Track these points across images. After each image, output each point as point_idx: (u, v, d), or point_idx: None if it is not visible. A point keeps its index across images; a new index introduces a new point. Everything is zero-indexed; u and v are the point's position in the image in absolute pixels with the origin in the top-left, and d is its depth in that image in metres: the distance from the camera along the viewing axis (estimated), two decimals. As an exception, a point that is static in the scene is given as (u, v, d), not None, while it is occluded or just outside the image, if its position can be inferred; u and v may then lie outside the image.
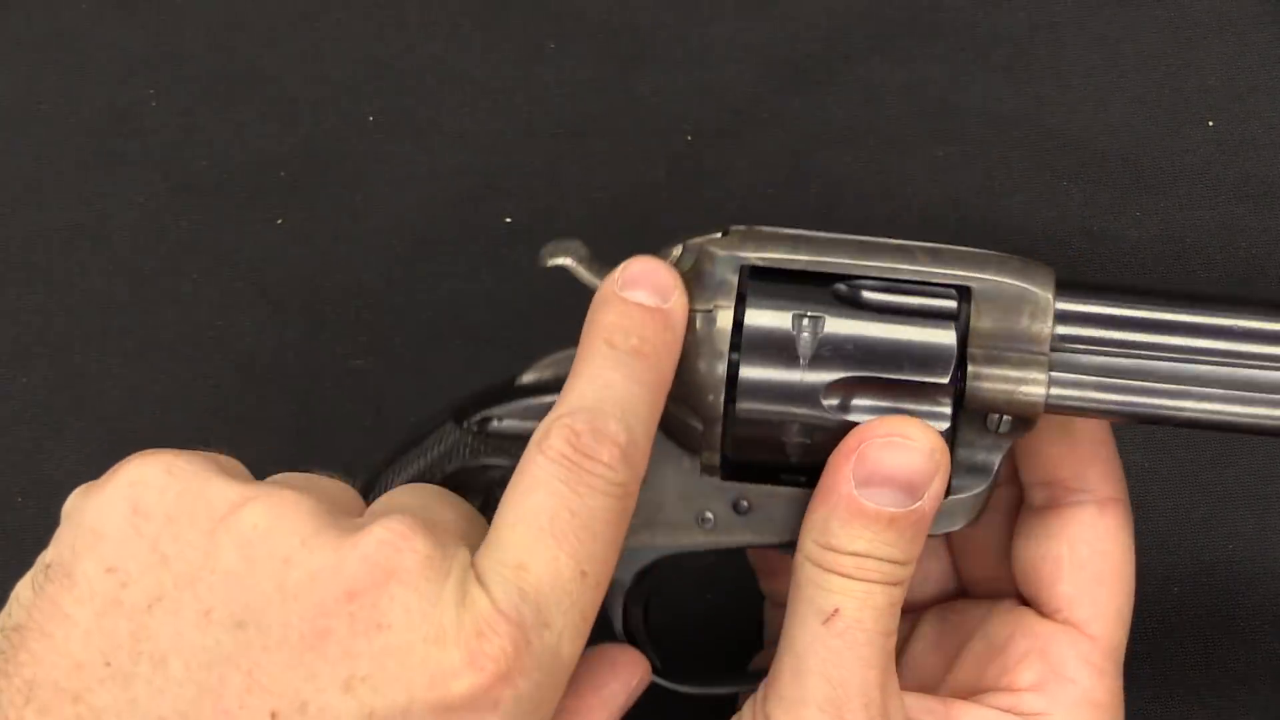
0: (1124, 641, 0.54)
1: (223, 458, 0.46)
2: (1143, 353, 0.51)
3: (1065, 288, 0.51)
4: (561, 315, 0.69)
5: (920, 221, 0.70)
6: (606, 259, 0.70)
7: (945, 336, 0.50)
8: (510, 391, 0.54)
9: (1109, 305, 0.51)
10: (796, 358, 0.50)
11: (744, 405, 0.50)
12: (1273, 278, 0.69)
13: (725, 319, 0.50)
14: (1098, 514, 0.54)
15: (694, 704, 0.56)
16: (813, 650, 0.49)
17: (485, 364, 0.68)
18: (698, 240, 0.51)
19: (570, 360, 0.51)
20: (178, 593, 0.42)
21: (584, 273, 0.52)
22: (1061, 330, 0.50)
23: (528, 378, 0.53)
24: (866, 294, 0.50)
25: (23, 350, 0.70)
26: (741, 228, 0.51)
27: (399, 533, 0.43)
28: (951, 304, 0.50)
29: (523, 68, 0.73)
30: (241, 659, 0.41)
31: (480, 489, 0.53)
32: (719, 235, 0.51)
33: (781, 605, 0.61)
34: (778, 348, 0.50)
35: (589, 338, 0.50)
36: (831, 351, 0.50)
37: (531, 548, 0.44)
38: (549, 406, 0.50)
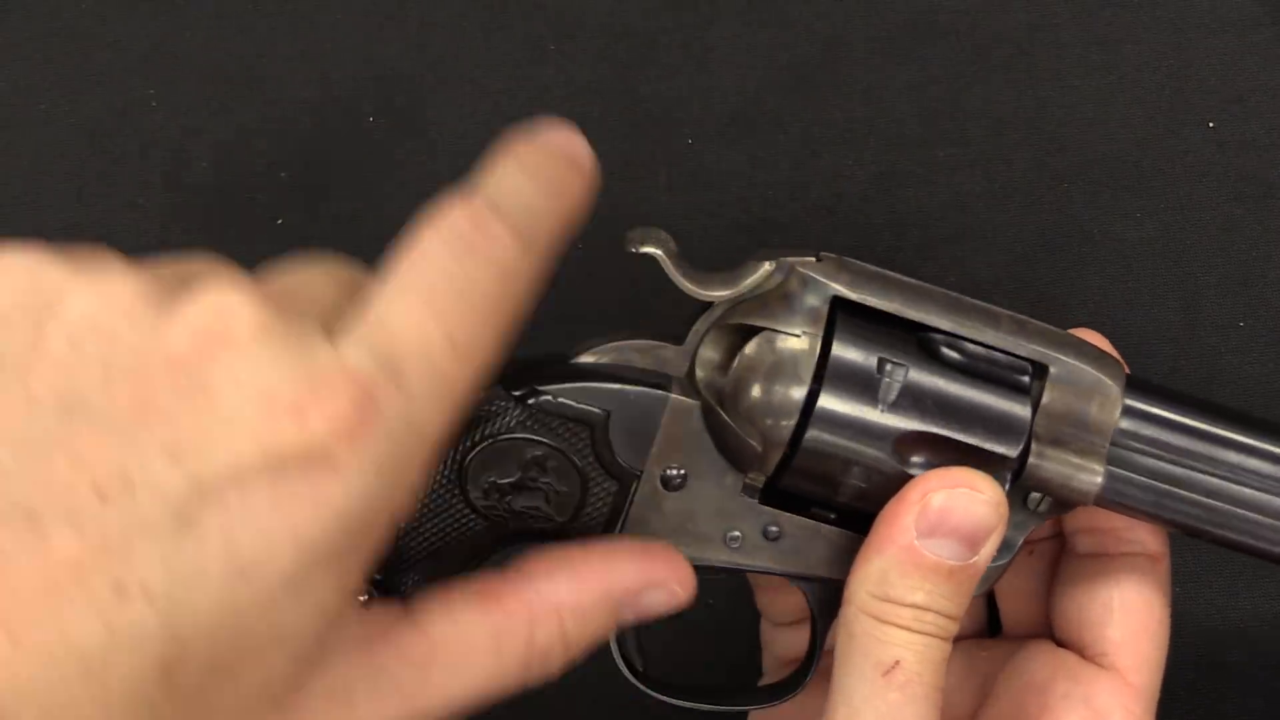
0: (1157, 695, 0.54)
1: (84, 249, 0.43)
2: (1195, 464, 0.51)
3: (1132, 385, 0.51)
4: (561, 322, 0.69)
5: (921, 224, 0.70)
6: (607, 263, 0.70)
7: (1020, 409, 0.50)
8: (564, 370, 0.52)
9: (1171, 410, 0.52)
10: (876, 400, 0.50)
11: (814, 435, 0.50)
12: (1272, 279, 0.69)
13: (811, 347, 0.50)
14: (1149, 565, 0.54)
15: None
16: (871, 704, 0.49)
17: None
18: (791, 259, 0.51)
19: (631, 349, 0.51)
20: (6, 385, 0.40)
21: (671, 267, 0.51)
22: (1124, 424, 0.51)
23: (585, 359, 0.52)
24: (948, 351, 0.50)
25: (23, 350, 0.70)
26: (834, 256, 0.51)
27: (231, 300, 0.40)
28: (1027, 378, 0.50)
29: (523, 69, 0.73)
30: (68, 441, 0.39)
31: (517, 463, 0.52)
32: (812, 259, 0.51)
33: (778, 624, 0.61)
34: (859, 386, 0.50)
35: (499, 155, 0.47)
36: (911, 401, 0.50)
37: (394, 307, 0.41)
38: (609, 393, 0.50)
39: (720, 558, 0.53)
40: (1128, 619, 0.53)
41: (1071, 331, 0.54)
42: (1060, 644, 0.55)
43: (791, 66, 0.73)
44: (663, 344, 0.52)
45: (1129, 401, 0.51)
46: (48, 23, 0.73)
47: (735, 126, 0.72)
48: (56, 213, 0.71)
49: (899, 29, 0.73)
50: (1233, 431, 0.52)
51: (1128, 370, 0.52)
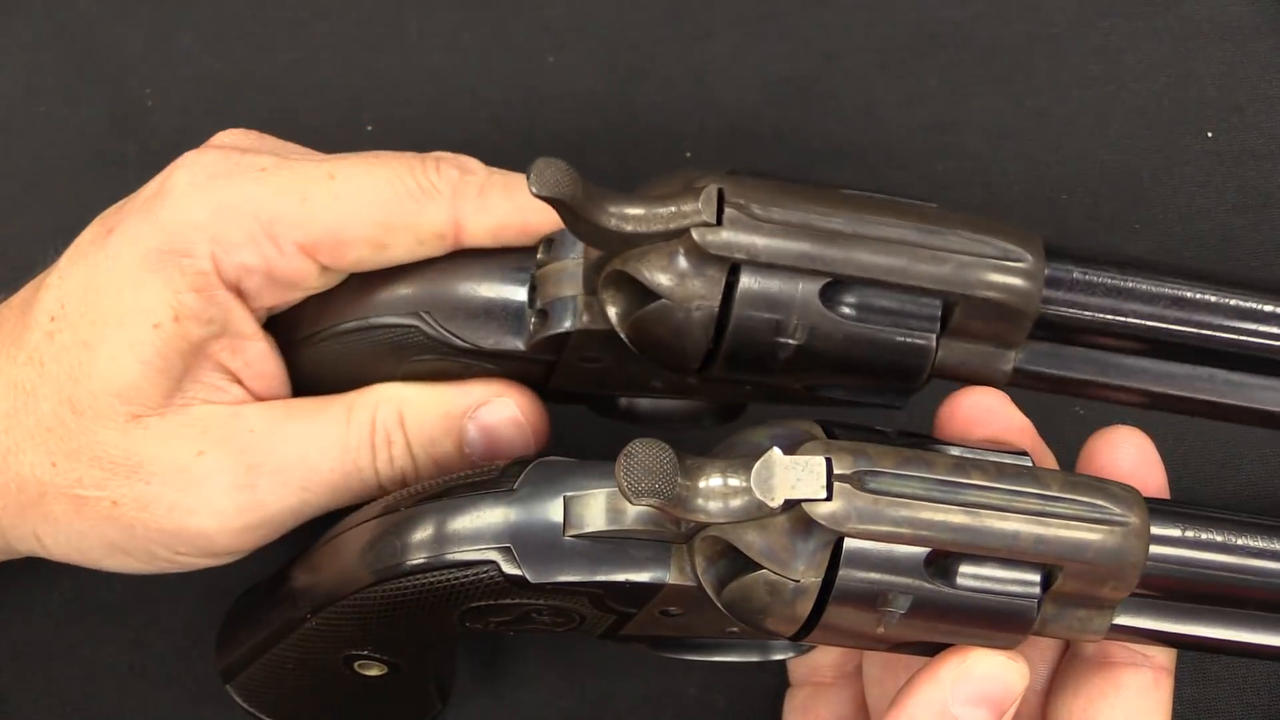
0: None
1: None
2: (1217, 573, 0.50)
3: (1157, 514, 0.50)
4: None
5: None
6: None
7: (1027, 606, 0.48)
8: (557, 552, 0.51)
9: (1197, 549, 0.50)
10: (878, 623, 0.48)
11: (813, 637, 0.49)
12: (1272, 290, 0.68)
13: (811, 591, 0.47)
14: (1152, 684, 0.52)
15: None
16: None
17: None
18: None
19: (629, 517, 0.50)
20: None
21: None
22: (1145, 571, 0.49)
23: (581, 535, 0.50)
24: (963, 569, 0.48)
25: (21, 355, 0.70)
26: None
27: None
28: (1038, 587, 0.48)
29: (522, 81, 0.73)
30: None
31: (516, 614, 0.52)
32: (824, 432, 0.48)
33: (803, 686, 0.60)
34: (859, 614, 0.48)
35: None
36: (913, 622, 0.48)
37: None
38: (604, 583, 0.50)
39: (717, 639, 0.54)
40: None
41: (1112, 431, 0.53)
42: None
43: (790, 79, 0.73)
44: (660, 525, 0.50)
45: (1153, 550, 0.49)
46: (47, 24, 0.73)
47: (734, 139, 0.72)
48: (55, 214, 0.70)
49: (897, 42, 0.73)
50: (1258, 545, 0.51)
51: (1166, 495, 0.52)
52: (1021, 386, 0.54)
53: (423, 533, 0.51)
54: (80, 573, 0.57)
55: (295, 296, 0.55)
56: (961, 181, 0.71)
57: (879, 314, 0.50)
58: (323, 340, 0.56)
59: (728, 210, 0.49)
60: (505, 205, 0.54)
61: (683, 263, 0.49)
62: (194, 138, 0.69)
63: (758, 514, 0.46)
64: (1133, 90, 0.71)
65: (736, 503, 0.46)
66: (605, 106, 0.73)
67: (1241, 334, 0.53)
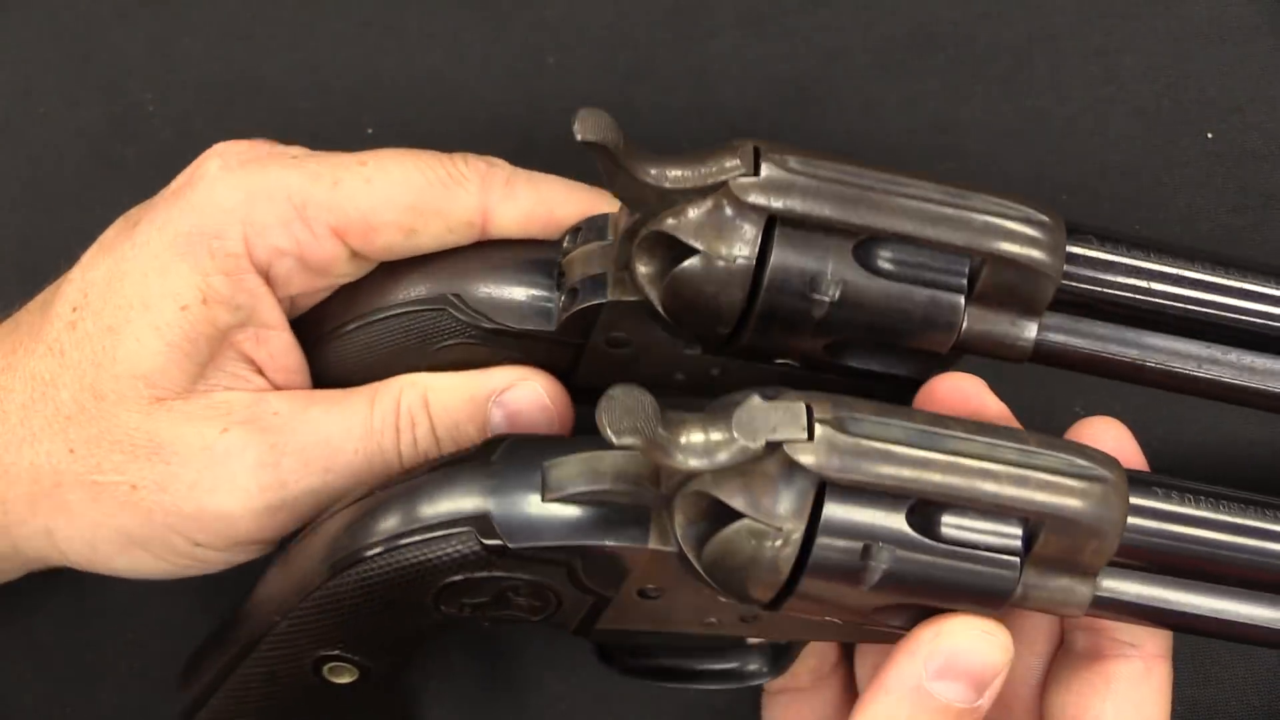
0: None
1: None
2: (1196, 546, 0.51)
3: (1135, 483, 0.50)
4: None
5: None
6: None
7: (1008, 574, 0.48)
8: (537, 517, 0.51)
9: (1177, 522, 0.51)
10: (859, 582, 0.48)
11: (792, 603, 0.49)
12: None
13: (794, 542, 0.47)
14: (1145, 674, 0.52)
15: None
16: None
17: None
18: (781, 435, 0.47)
19: (610, 476, 0.49)
20: None
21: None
22: (1125, 539, 0.50)
23: (561, 496, 0.50)
24: (945, 519, 0.48)
25: (21, 358, 0.70)
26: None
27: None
28: (1019, 540, 0.48)
29: (522, 81, 0.73)
30: None
31: (492, 592, 0.52)
32: (818, 403, 0.48)
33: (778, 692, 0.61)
34: (841, 572, 0.48)
35: None
36: (895, 582, 0.48)
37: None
38: (583, 548, 0.50)
39: (696, 630, 0.54)
40: None
41: (1090, 422, 0.53)
42: None
43: (790, 79, 0.73)
44: (640, 484, 0.49)
45: (1132, 520, 0.49)
46: (47, 26, 0.73)
47: (734, 139, 0.72)
48: (53, 216, 0.71)
49: (897, 42, 0.73)
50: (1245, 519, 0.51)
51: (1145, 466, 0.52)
52: (1042, 362, 0.54)
53: (398, 507, 0.51)
54: (81, 574, 0.57)
55: (323, 284, 0.56)
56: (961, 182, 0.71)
57: (910, 269, 0.51)
58: (348, 332, 0.56)
59: (764, 164, 0.50)
60: (532, 196, 0.55)
61: (719, 216, 0.50)
62: (194, 140, 0.69)
63: (740, 458, 0.47)
64: (1133, 90, 0.71)
65: (718, 452, 0.47)
66: (605, 106, 0.72)
67: (1265, 318, 0.54)
